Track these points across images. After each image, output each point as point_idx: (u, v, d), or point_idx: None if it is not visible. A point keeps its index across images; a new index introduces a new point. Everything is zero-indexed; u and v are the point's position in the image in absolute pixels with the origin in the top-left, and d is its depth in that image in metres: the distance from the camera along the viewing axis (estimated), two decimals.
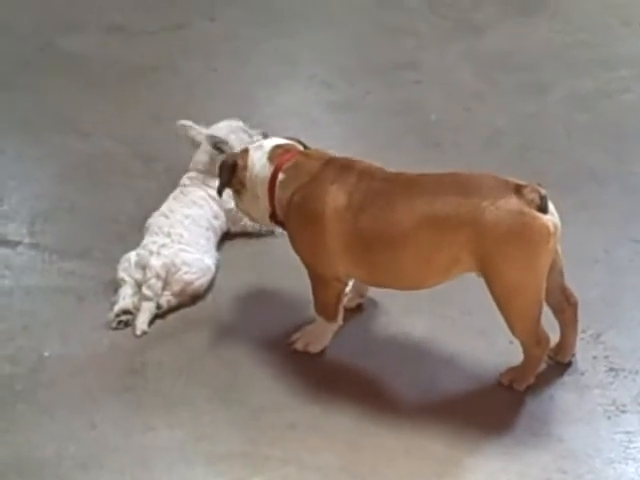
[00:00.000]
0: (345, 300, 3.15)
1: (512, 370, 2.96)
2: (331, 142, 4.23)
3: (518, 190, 2.71)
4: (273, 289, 3.43)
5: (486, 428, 2.86)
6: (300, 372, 3.05)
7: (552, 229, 2.71)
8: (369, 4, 5.54)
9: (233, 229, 3.63)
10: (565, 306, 2.95)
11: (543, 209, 2.70)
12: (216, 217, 3.56)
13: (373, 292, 3.34)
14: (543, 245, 2.70)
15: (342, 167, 2.95)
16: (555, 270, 2.86)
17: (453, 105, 4.57)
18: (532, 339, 2.86)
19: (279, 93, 4.72)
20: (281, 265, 3.48)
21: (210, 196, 3.55)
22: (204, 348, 3.16)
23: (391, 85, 4.76)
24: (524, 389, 2.93)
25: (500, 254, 2.72)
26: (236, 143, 3.60)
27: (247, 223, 3.55)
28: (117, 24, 5.29)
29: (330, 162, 2.98)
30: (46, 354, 3.15)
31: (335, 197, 2.87)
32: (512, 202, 2.69)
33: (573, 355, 3.04)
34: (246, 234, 3.64)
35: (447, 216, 2.74)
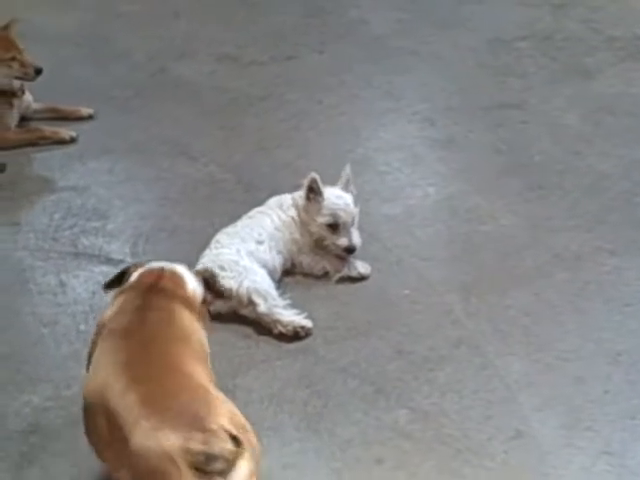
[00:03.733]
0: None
1: None
2: (432, 179, 4.25)
3: (193, 431, 2.12)
4: (367, 323, 3.38)
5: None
6: (390, 408, 3.00)
7: None
8: (478, 44, 5.49)
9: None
10: None
11: (207, 471, 2.11)
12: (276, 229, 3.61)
13: (469, 331, 3.30)
14: None
15: None
16: None
17: (558, 147, 4.47)
18: None
19: (383, 128, 4.70)
20: (376, 301, 3.49)
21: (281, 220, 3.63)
22: (296, 377, 3.13)
23: (496, 124, 4.70)
24: None
25: None
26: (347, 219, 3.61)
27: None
28: (229, 54, 5.37)
29: None
30: None
31: None
32: (167, 441, 2.12)
33: None
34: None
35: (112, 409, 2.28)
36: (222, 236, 3.55)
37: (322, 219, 3.59)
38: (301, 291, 3.53)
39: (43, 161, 4.45)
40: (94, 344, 2.51)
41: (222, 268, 3.39)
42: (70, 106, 4.77)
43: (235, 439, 2.15)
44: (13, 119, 4.59)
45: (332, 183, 3.67)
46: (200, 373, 2.38)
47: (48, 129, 4.58)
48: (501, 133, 4.62)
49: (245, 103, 4.89)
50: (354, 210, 3.62)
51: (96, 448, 2.43)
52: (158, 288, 2.58)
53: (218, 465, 2.10)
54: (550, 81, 5.08)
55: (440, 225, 3.94)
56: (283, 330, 3.29)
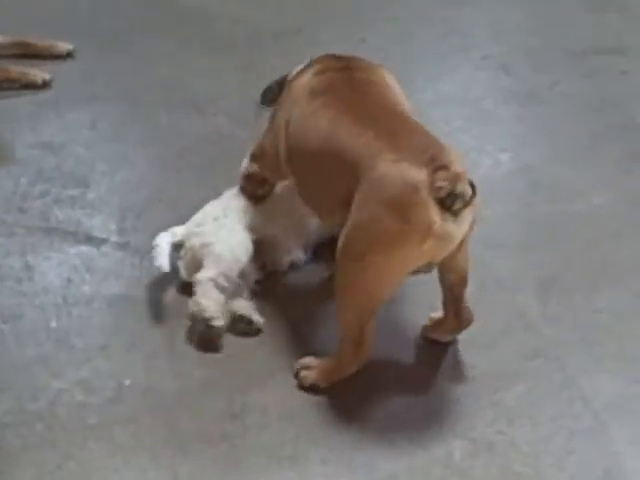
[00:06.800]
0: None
1: (317, 364, 3.12)
2: (506, 141, 4.31)
3: (435, 168, 2.75)
4: (414, 326, 3.36)
5: None
6: (443, 438, 2.99)
7: (436, 231, 2.75)
8: None
9: None
10: (451, 317, 3.17)
11: (447, 206, 2.75)
12: None
13: (547, 340, 3.30)
14: (413, 239, 2.76)
15: None
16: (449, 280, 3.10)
17: None
18: (352, 334, 2.95)
19: (443, 76, 4.74)
20: (427, 299, 3.42)
21: None
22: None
23: (588, 74, 4.72)
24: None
25: (361, 217, 2.84)
26: None
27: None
28: None
29: None
30: (127, 383, 3.18)
31: None
32: (412, 173, 2.75)
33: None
34: None
35: (345, 150, 2.93)
36: None
37: None
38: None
39: (8, 110, 4.46)
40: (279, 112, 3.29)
41: None
42: (44, 40, 4.78)
43: (472, 184, 2.74)
44: None
45: None
46: (418, 121, 3.00)
47: (15, 69, 4.58)
48: (595, 85, 4.64)
49: (268, 39, 4.94)
50: None
51: (314, 204, 3.19)
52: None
53: (458, 204, 2.72)
54: None
55: (514, 203, 3.97)
56: None
